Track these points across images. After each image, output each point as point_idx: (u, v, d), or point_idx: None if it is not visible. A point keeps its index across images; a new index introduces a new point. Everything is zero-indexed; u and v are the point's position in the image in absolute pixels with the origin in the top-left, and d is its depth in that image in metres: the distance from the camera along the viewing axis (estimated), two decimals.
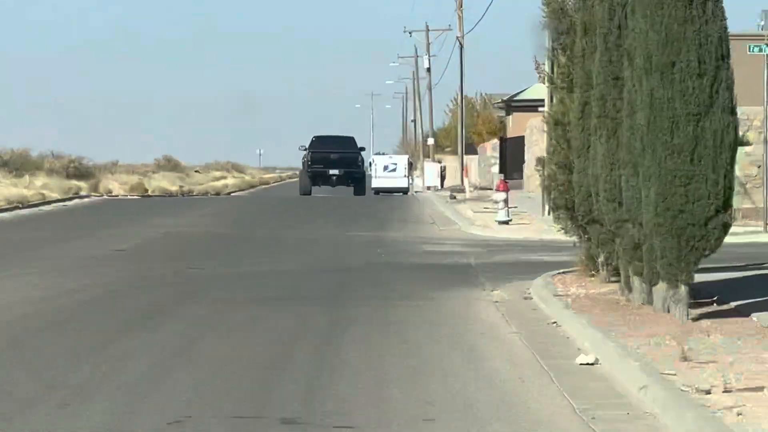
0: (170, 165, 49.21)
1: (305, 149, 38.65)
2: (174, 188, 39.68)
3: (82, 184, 33.05)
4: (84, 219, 21.42)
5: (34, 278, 9.09)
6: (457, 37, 41.87)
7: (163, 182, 41.03)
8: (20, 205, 22.93)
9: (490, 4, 57.44)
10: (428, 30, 57.13)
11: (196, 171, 53.89)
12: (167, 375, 4.28)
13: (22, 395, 3.63)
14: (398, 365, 4.56)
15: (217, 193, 41.74)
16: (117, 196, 33.55)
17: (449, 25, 52.65)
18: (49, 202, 25.53)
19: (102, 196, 32.66)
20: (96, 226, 18.43)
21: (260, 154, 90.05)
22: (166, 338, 5.56)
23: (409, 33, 58.99)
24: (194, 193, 40.07)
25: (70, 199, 28.53)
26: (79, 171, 35.32)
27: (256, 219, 21.08)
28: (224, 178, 53.12)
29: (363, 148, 41.12)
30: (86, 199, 29.91)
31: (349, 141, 40.22)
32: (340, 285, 9.10)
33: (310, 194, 36.41)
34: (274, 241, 15.10)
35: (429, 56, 56.53)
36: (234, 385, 3.94)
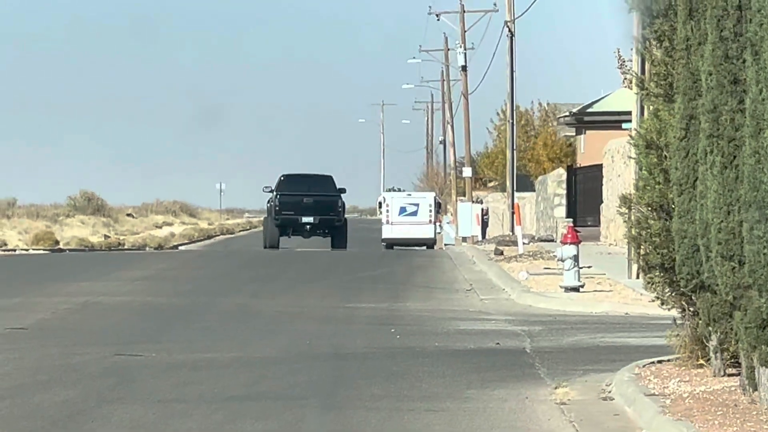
0: (91, 206, 49.96)
1: (271, 191, 42.59)
2: (96, 239, 40.24)
3: None
4: None
5: None
6: (506, 22, 42.96)
7: (81, 230, 41.73)
8: None
9: None
10: (464, 11, 57.84)
11: (128, 215, 54.68)
12: None
13: None
14: None
15: (159, 246, 42.32)
16: (15, 250, 34.02)
17: (494, 4, 53.86)
18: None
19: None
20: None
21: (221, 191, 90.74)
22: None
23: (437, 16, 59.46)
24: (126, 247, 40.61)
25: None
26: None
27: (214, 283, 21.18)
28: (169, 224, 53.83)
29: (343, 190, 44.15)
30: None
31: (326, 181, 44.19)
32: (335, 379, 9.12)
33: (277, 247, 40.34)
34: (241, 314, 15.16)
35: (465, 49, 57.15)
36: None
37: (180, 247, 44.57)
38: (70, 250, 35.91)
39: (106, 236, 41.90)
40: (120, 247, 40.02)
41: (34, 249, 34.81)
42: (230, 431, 6.34)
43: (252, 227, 71.73)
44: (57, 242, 36.14)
